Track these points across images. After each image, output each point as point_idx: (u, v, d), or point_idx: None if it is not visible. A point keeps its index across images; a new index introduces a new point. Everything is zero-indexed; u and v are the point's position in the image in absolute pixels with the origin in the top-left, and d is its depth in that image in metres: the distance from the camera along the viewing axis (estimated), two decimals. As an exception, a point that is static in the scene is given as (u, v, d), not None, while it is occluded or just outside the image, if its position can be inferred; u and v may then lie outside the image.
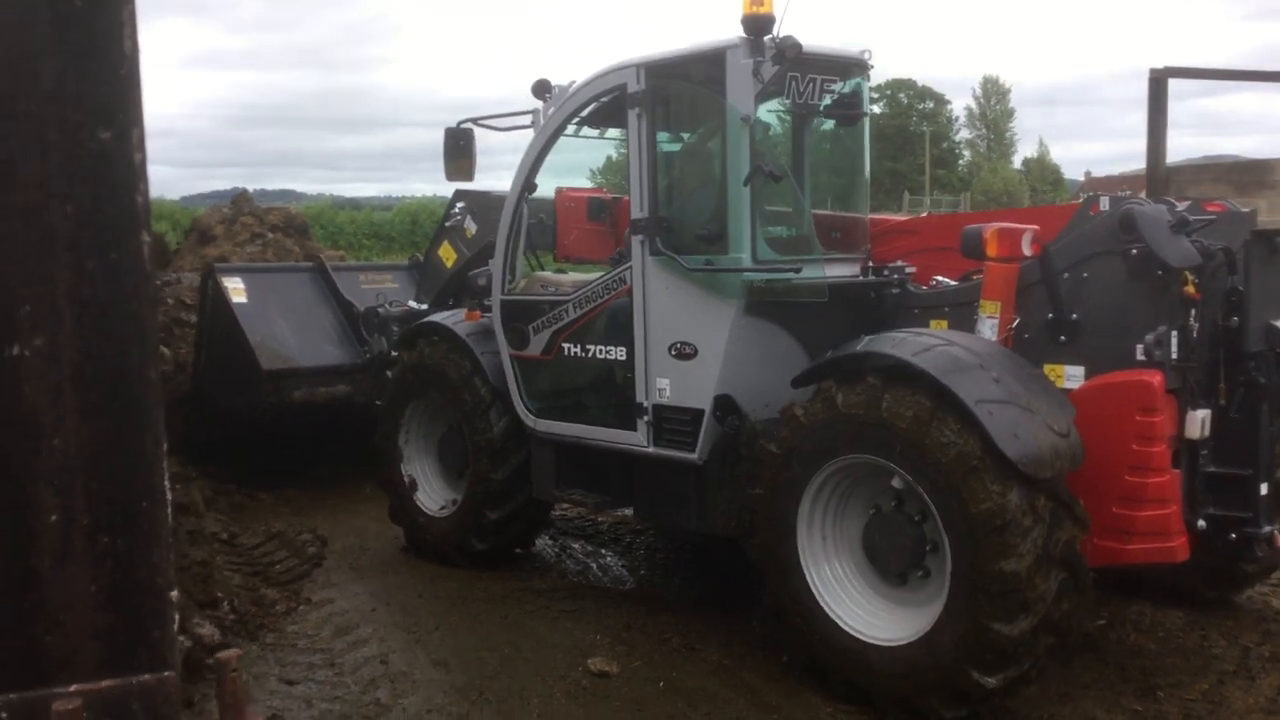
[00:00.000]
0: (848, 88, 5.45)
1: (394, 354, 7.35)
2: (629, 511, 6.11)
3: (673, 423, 5.30)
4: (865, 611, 4.64)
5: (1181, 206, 4.60)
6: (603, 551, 6.88)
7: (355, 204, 48.00)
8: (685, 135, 5.72)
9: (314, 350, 7.95)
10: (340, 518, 7.65)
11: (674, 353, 5.24)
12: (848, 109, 5.52)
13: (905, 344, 4.45)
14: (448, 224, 7.88)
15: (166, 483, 1.32)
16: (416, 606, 5.91)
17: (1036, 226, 4.81)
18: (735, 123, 4.92)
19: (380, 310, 7.99)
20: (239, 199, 13.83)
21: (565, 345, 5.84)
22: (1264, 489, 4.59)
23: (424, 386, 6.65)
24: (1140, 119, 7.96)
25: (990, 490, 4.03)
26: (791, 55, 4.81)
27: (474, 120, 6.88)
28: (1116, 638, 5.29)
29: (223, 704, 1.34)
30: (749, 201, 4.93)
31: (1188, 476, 4.51)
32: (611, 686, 4.85)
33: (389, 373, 7.05)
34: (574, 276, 6.45)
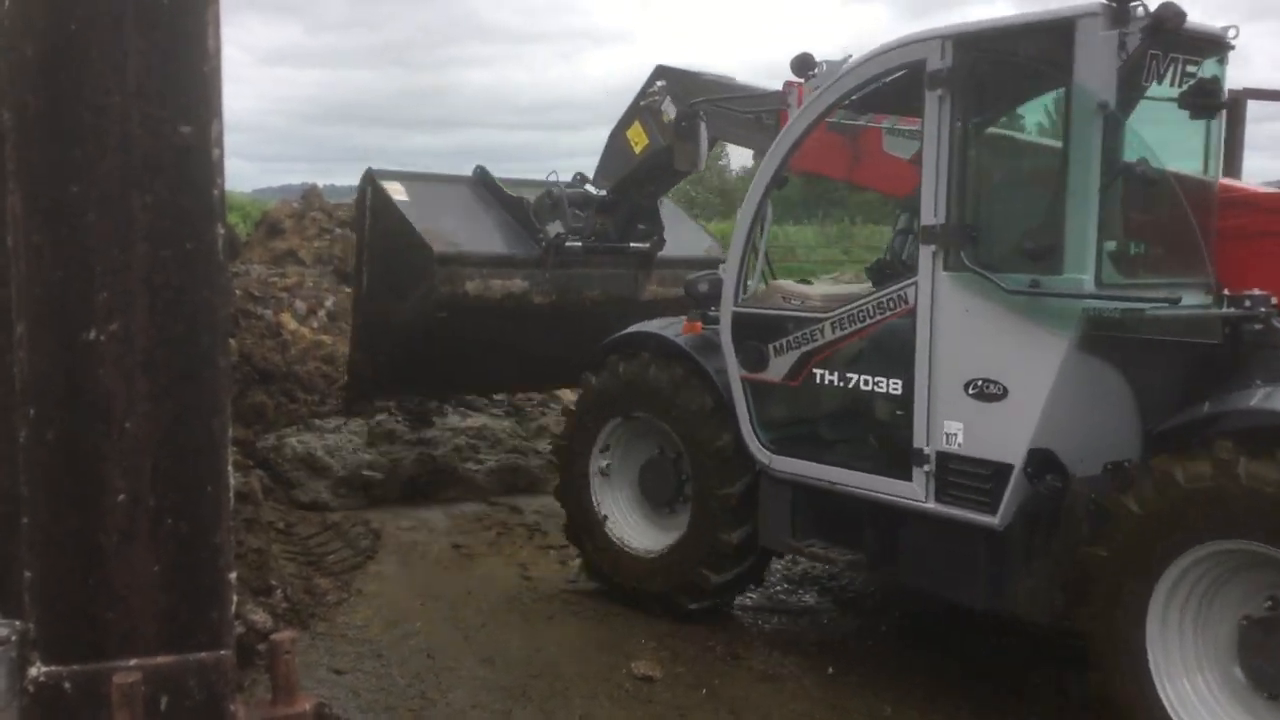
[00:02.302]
0: (1206, 71, 4.38)
1: (567, 241, 6.81)
2: (887, 572, 5.03)
3: (965, 476, 4.34)
4: None
5: None
6: (651, 557, 6.89)
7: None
8: (1005, 124, 4.88)
9: (484, 239, 7.36)
10: (396, 509, 7.76)
11: (973, 391, 4.28)
12: (1207, 98, 4.37)
13: None
14: (642, 102, 6.86)
15: (230, 467, 1.37)
16: (465, 602, 5.97)
17: None
18: (1085, 110, 3.95)
19: (553, 191, 7.14)
20: (309, 194, 14.12)
21: (817, 371, 4.91)
22: None
23: (630, 405, 5.79)
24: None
25: None
26: (1173, 27, 3.88)
27: (712, 101, 6.12)
28: None
29: (275, 684, 1.38)
30: (1096, 210, 3.98)
31: None
32: (654, 691, 4.86)
33: (591, 378, 6.02)
34: (821, 288, 5.61)
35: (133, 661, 1.28)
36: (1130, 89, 4.12)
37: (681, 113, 6.31)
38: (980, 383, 4.27)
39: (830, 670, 5.08)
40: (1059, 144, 4.17)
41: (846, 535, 4.99)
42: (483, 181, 7.85)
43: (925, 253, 4.40)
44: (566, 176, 7.47)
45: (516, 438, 9.00)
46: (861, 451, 4.92)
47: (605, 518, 6.01)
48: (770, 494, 5.23)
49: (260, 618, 5.27)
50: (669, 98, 6.68)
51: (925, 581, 4.78)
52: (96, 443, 1.30)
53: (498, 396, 9.98)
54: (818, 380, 4.93)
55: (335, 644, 5.36)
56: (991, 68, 4.39)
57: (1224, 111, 4.59)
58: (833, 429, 5.12)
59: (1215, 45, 4.43)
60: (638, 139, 6.88)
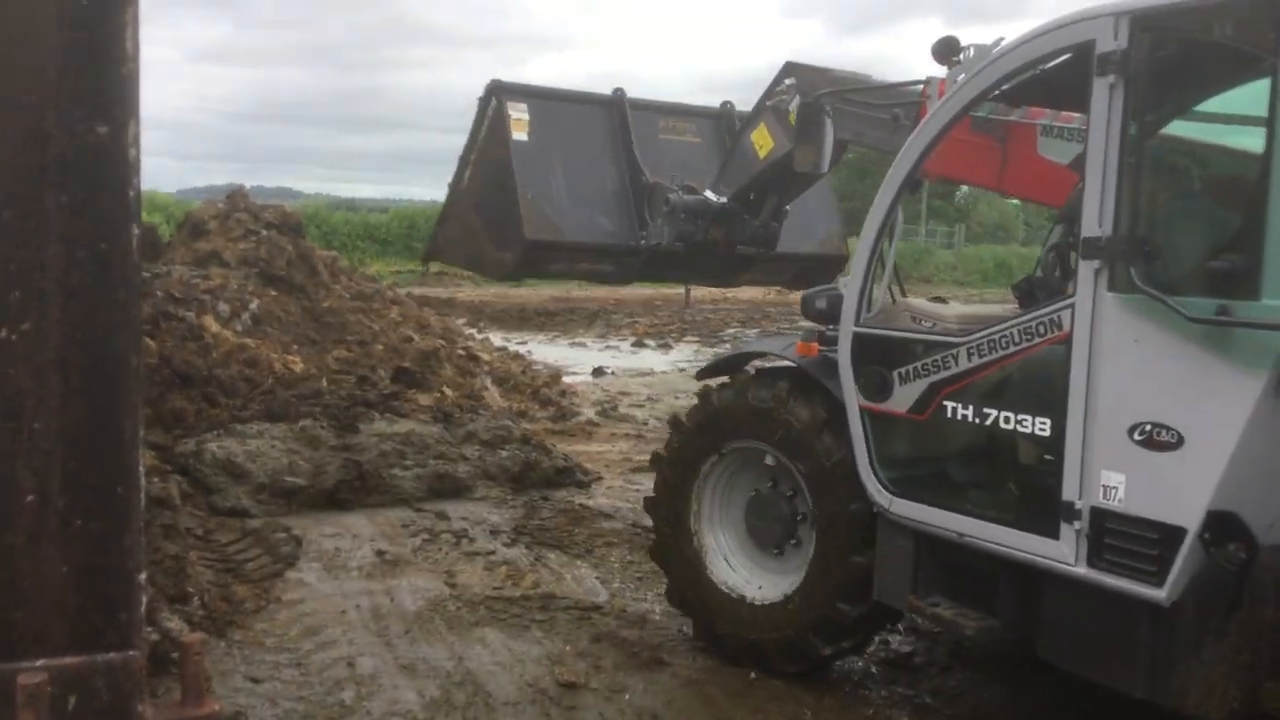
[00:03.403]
0: None
1: (677, 244, 6.32)
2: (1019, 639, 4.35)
3: (1126, 538, 3.65)
4: None
5: None
6: (577, 562, 6.91)
7: (351, 205, 48.02)
8: (1193, 118, 4.16)
9: (586, 222, 6.84)
10: (319, 516, 7.66)
11: (1139, 437, 3.59)
12: None
13: None
14: (769, 102, 6.29)
15: (141, 469, 1.37)
16: (387, 610, 5.92)
17: None
18: None
19: (670, 197, 6.54)
20: (234, 195, 13.88)
21: (949, 404, 4.27)
22: None
23: (743, 434, 5.16)
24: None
25: None
26: None
27: (840, 94, 5.47)
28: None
29: (185, 686, 1.37)
30: None
31: None
32: (578, 698, 4.88)
33: (711, 394, 5.37)
34: (956, 309, 4.90)
35: (40, 662, 1.27)
36: None
37: (804, 108, 5.66)
38: (1149, 428, 3.57)
39: (752, 675, 5.15)
40: (1260, 144, 3.42)
41: (977, 596, 4.32)
42: (619, 113, 7.29)
43: (1086, 270, 3.70)
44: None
45: (444, 443, 8.94)
46: (999, 500, 4.30)
47: (703, 551, 5.45)
48: (888, 541, 4.57)
49: (176, 625, 5.18)
50: (798, 96, 6.03)
51: (1070, 659, 4.07)
52: (6, 441, 1.29)
53: (425, 402, 9.91)
54: (949, 414, 4.28)
55: (253, 652, 5.28)
56: (1177, 51, 3.67)
57: None
58: (965, 471, 4.53)
59: None
60: (762, 142, 6.34)
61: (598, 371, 15.49)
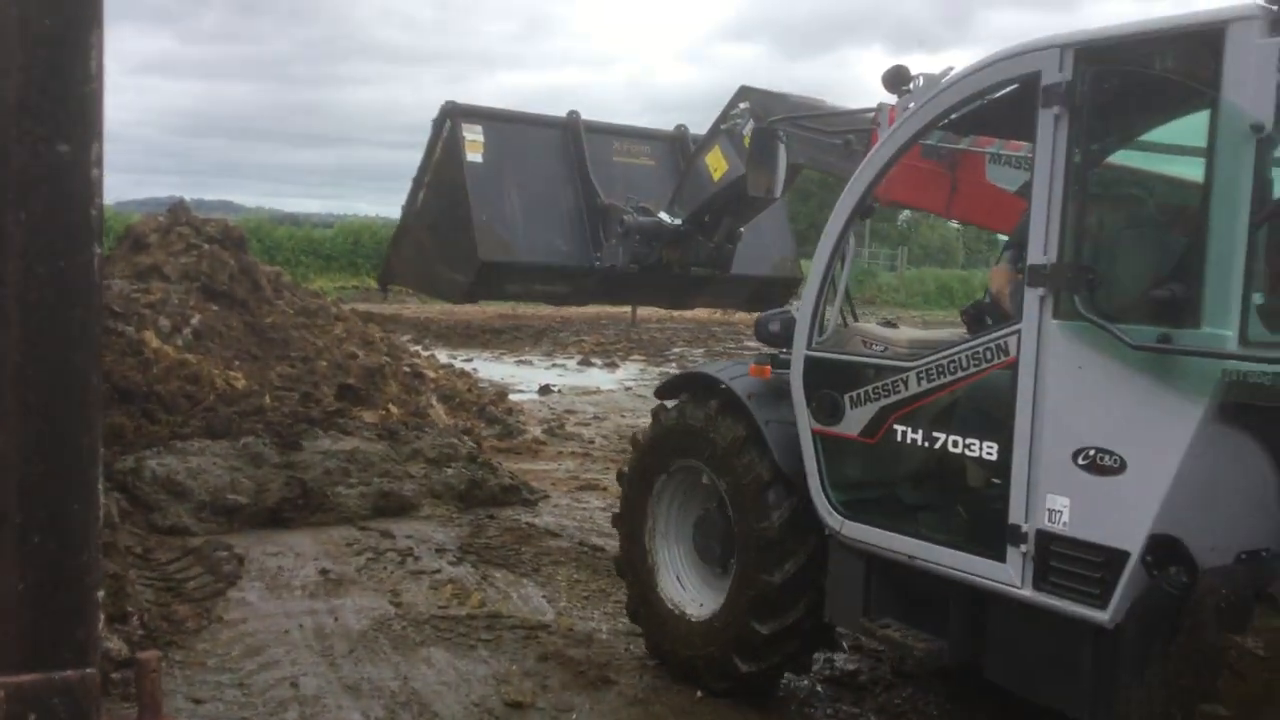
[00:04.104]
0: None
1: (632, 265, 6.26)
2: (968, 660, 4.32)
3: (1070, 561, 3.69)
4: None
5: None
6: (524, 581, 6.90)
7: (295, 220, 47.43)
8: (1135, 148, 4.21)
9: (540, 243, 6.86)
10: (262, 534, 7.56)
11: (1083, 462, 3.64)
12: None
13: None
14: (723, 125, 6.39)
15: (99, 486, 1.37)
16: (331, 630, 5.87)
17: None
18: (1235, 133, 3.29)
19: (625, 219, 6.83)
20: (175, 208, 13.70)
21: (899, 427, 4.30)
22: None
23: (683, 452, 5.24)
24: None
25: None
26: None
27: (792, 121, 5.48)
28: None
29: (141, 703, 1.37)
30: (1244, 253, 3.28)
31: None
32: (525, 717, 4.89)
33: (660, 414, 5.46)
34: (907, 333, 4.96)
35: (-6, 680, 1.26)
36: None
37: (758, 134, 5.74)
38: (1093, 453, 3.60)
39: (698, 695, 5.19)
40: (1200, 174, 3.47)
41: (926, 618, 4.36)
42: (573, 135, 7.30)
43: (1031, 297, 3.75)
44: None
45: (389, 461, 8.88)
46: (947, 523, 4.31)
47: (654, 570, 5.50)
48: (840, 563, 4.63)
49: (115, 645, 5.08)
50: (752, 120, 6.10)
51: (1017, 680, 4.13)
52: (-38, 458, 1.28)
53: (369, 419, 9.85)
54: (899, 438, 4.31)
55: (194, 673, 5.20)
56: (1120, 82, 3.72)
57: None
58: (915, 494, 4.56)
59: None
60: (717, 165, 6.47)
61: (544, 390, 15.47)
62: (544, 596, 6.61)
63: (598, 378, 17.76)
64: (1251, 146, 3.27)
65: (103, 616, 4.69)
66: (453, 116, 6.93)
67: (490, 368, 18.07)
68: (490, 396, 13.20)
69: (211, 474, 8.12)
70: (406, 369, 12.61)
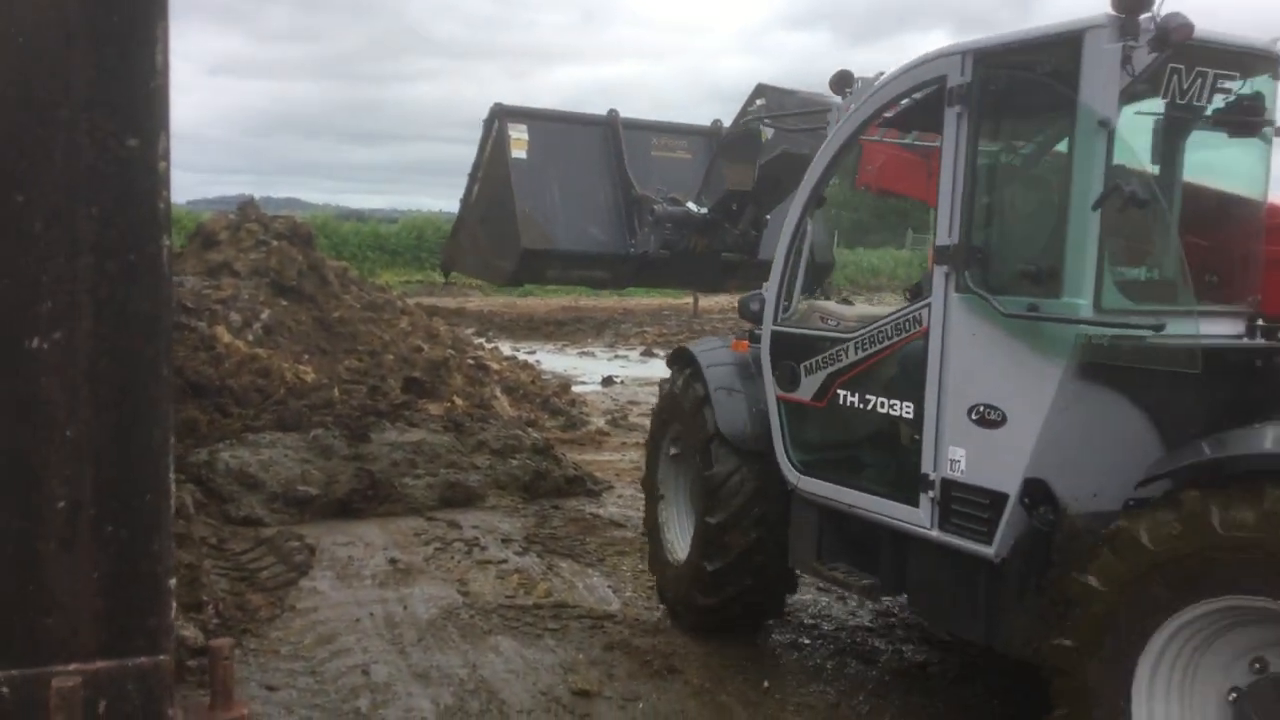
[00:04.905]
0: (1248, 88, 4.12)
1: (662, 251, 6.85)
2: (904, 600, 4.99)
3: (966, 504, 4.17)
4: None
5: None
6: (589, 571, 6.92)
7: (360, 215, 48.09)
8: (1019, 142, 4.62)
9: (578, 233, 7.37)
10: (332, 524, 7.68)
11: (975, 417, 4.13)
12: (1245, 115, 4.15)
13: None
14: (742, 121, 6.95)
15: (171, 475, 1.39)
16: (401, 618, 5.94)
17: None
18: (1089, 127, 3.76)
19: (655, 208, 7.32)
20: (245, 206, 13.96)
21: (841, 392, 4.86)
22: None
23: (672, 416, 5.97)
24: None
25: None
26: (1178, 39, 3.67)
27: (766, 118, 6.01)
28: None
29: (214, 689, 1.39)
30: (1097, 231, 3.77)
31: None
32: (591, 706, 4.89)
33: (663, 383, 6.11)
34: (858, 310, 5.52)
35: (72, 666, 1.29)
36: (1148, 105, 4.03)
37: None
38: (982, 409, 4.11)
39: (765, 684, 5.16)
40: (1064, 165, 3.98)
41: (865, 560, 4.90)
42: (612, 132, 7.78)
43: (939, 274, 4.29)
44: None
45: (455, 452, 8.97)
46: (878, 475, 4.82)
47: (663, 526, 6.19)
48: (799, 515, 5.22)
49: (190, 633, 5.20)
50: (766, 121, 6.54)
51: (930, 612, 4.72)
52: (38, 450, 1.30)
53: (435, 411, 9.96)
54: (841, 401, 4.87)
55: (268, 660, 5.30)
56: (1007, 83, 4.15)
57: (1270, 129, 4.20)
58: (854, 451, 5.05)
59: (1262, 61, 4.10)
60: None
61: (607, 381, 15.50)
62: (609, 587, 6.63)
63: (660, 369, 17.72)
64: (1102, 139, 3.73)
65: (177, 605, 4.80)
66: (500, 117, 7.37)
67: (553, 359, 18.18)
68: (553, 388, 13.25)
69: (283, 466, 8.28)
70: (471, 361, 12.72)
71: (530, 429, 10.20)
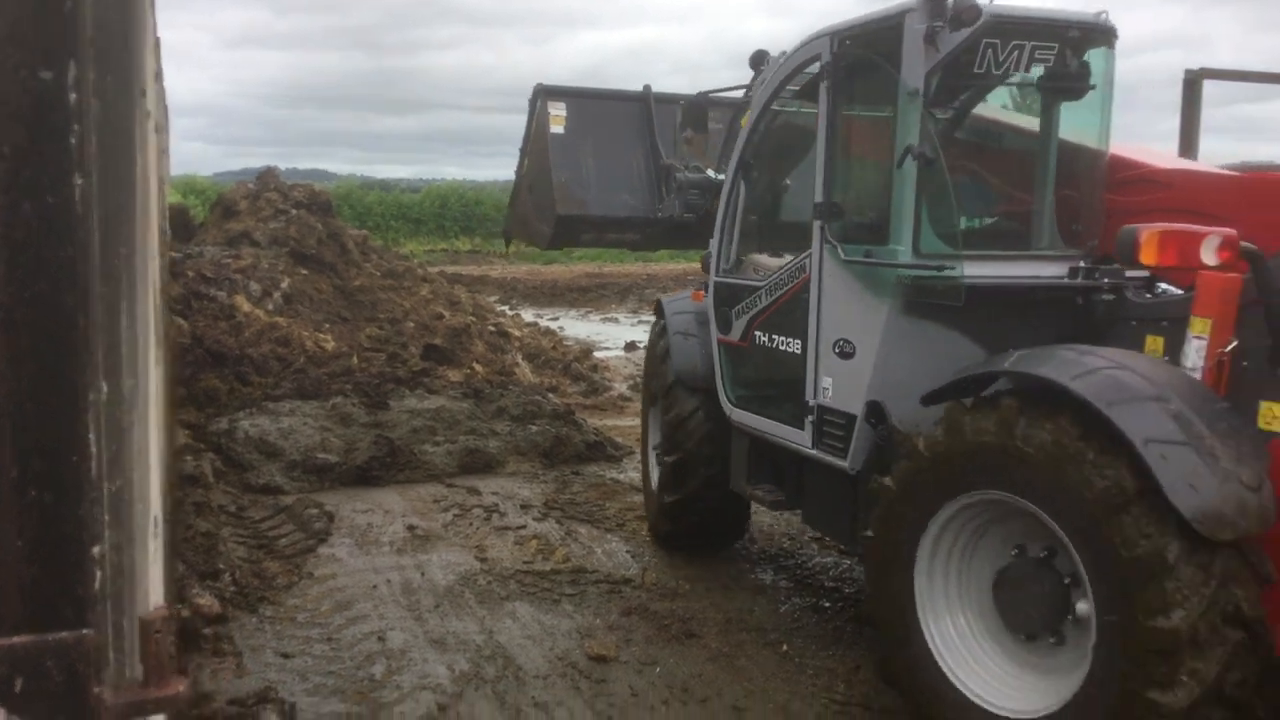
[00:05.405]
0: (1072, 57, 4.60)
1: (686, 215, 7.23)
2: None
3: (831, 425, 4.88)
4: (994, 677, 3.97)
5: None
6: (608, 537, 6.84)
7: (385, 185, 48.03)
8: (866, 112, 5.12)
9: (610, 198, 7.97)
10: (351, 492, 7.65)
11: (837, 351, 4.81)
12: (1066, 82, 4.67)
13: (1064, 363, 3.69)
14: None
15: (93, 435, 1.29)
16: (418, 585, 5.89)
17: (1232, 231, 3.88)
18: (905, 97, 4.36)
19: (678, 175, 7.73)
20: (264, 175, 13.91)
21: (756, 333, 5.57)
22: None
23: (650, 367, 6.79)
24: (1175, 124, 7.81)
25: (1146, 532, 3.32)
26: (969, 19, 4.21)
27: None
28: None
29: (146, 666, 1.30)
30: (912, 187, 4.35)
31: None
32: (608, 671, 4.81)
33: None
34: (780, 261, 5.90)
35: (-12, 641, 1.20)
36: (962, 78, 4.65)
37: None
38: (841, 343, 4.79)
39: (784, 648, 5.06)
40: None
41: (777, 479, 5.62)
42: (645, 107, 8.37)
43: (815, 228, 4.92)
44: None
45: (475, 419, 8.90)
46: (781, 404, 5.41)
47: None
48: (736, 444, 5.93)
49: (206, 601, 5.18)
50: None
51: (815, 521, 5.46)
52: (-53, 408, 1.21)
53: (455, 378, 9.90)
54: (757, 340, 5.56)
55: (284, 627, 5.27)
56: (856, 61, 4.79)
57: (1096, 91, 4.70)
58: (766, 385, 5.67)
59: (1079, 31, 4.58)
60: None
61: (630, 346, 15.38)
62: (628, 552, 6.54)
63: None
64: (916, 106, 4.32)
65: (195, 574, 4.73)
66: (541, 96, 7.92)
67: (576, 326, 18.09)
68: (575, 354, 13.16)
69: (302, 434, 8.25)
70: (492, 328, 12.64)
71: (550, 395, 10.11)
